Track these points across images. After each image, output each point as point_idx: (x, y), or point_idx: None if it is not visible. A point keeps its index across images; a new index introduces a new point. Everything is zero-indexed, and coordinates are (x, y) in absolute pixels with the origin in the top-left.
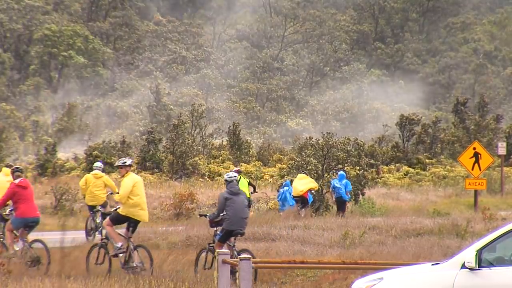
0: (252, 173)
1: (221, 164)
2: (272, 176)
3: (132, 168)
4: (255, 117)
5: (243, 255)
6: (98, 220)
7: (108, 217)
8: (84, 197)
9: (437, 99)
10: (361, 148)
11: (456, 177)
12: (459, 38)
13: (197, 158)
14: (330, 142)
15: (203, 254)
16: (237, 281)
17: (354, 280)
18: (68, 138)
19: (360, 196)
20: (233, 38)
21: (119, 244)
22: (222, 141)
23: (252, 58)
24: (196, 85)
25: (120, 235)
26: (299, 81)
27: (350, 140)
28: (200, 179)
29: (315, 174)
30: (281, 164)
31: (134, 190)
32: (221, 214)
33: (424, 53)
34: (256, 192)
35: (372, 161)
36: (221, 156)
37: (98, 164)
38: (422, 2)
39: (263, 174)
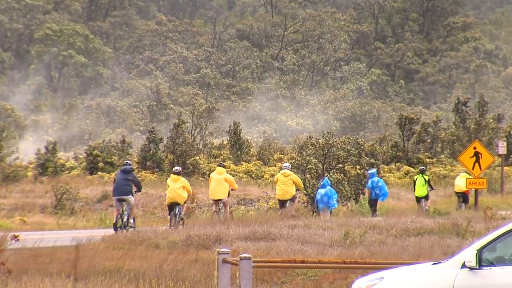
0: (252, 172)
1: (221, 163)
2: (272, 176)
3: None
4: (255, 117)
5: (243, 255)
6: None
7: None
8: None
9: (437, 99)
10: (362, 147)
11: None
12: (459, 37)
13: (198, 157)
14: (330, 142)
15: None
16: (237, 280)
17: (355, 279)
18: (69, 137)
19: (361, 195)
20: (234, 37)
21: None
22: (223, 140)
23: (252, 57)
24: (197, 85)
25: None
26: (299, 80)
27: (350, 139)
28: (201, 179)
29: (315, 174)
30: (281, 163)
31: None
32: None
33: (424, 52)
34: (434, 189)
35: (372, 160)
36: (222, 155)
37: (286, 164)
38: (422, 2)
39: (263, 173)
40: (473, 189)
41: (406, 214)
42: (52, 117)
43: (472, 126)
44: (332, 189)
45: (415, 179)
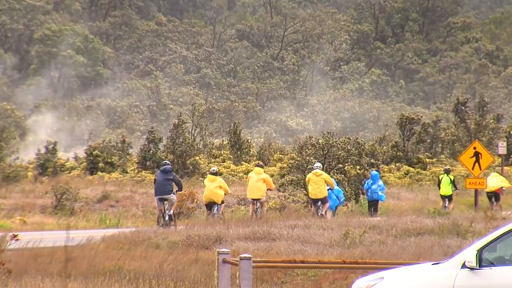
0: None
1: (222, 163)
2: (272, 176)
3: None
4: (255, 117)
5: (243, 255)
6: (320, 210)
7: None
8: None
9: (437, 99)
10: (362, 147)
11: (456, 176)
12: (459, 37)
13: (198, 157)
14: (330, 142)
15: None
16: (237, 280)
17: (355, 279)
18: (69, 137)
19: (361, 195)
20: (234, 37)
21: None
22: (223, 140)
23: (252, 57)
24: (197, 85)
25: None
26: (299, 80)
27: (350, 139)
28: (201, 179)
29: None
30: (281, 163)
31: None
32: None
33: (424, 52)
34: (458, 189)
35: (372, 160)
36: (222, 155)
37: (318, 164)
38: (422, 2)
39: None
40: (473, 189)
41: (406, 214)
42: (52, 117)
43: (472, 126)
44: (339, 189)
45: (440, 178)
